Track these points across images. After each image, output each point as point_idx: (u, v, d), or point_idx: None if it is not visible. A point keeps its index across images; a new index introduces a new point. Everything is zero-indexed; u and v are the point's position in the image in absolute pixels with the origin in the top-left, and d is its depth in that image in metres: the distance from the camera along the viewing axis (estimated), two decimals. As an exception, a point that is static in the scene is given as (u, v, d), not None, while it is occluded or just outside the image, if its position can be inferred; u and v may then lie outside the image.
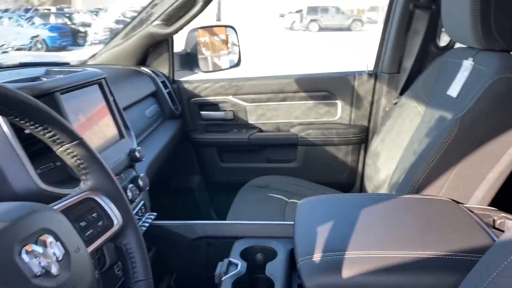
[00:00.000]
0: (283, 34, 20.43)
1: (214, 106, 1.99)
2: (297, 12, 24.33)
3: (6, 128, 0.81)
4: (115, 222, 0.68)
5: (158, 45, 1.90)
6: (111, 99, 1.17)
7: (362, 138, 1.96)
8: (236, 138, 2.00)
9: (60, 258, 0.51)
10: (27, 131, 0.84)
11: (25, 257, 0.47)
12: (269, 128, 2.01)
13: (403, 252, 0.87)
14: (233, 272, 1.07)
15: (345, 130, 1.95)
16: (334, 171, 2.01)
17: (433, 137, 1.18)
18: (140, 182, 1.12)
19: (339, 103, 1.94)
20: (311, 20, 23.14)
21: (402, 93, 1.73)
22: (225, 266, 1.10)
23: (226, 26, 2.23)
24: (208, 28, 2.14)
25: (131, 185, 1.08)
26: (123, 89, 1.47)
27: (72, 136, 0.64)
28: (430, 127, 1.29)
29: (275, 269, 1.07)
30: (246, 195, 1.73)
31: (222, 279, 1.05)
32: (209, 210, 2.11)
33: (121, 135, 1.16)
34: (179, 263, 1.29)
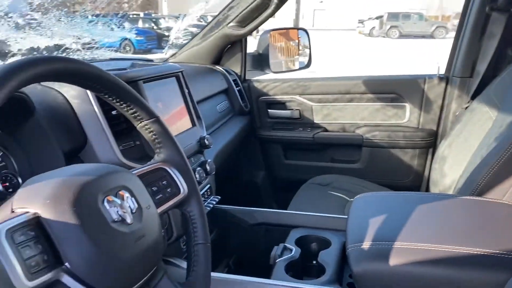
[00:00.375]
0: (361, 41, 20.05)
1: (281, 105, 2.07)
2: (377, 18, 23.75)
3: (97, 109, 0.95)
4: (182, 190, 0.78)
5: (232, 45, 2.02)
6: (186, 91, 1.29)
7: (430, 142, 1.92)
8: (301, 137, 2.05)
9: (134, 211, 0.62)
10: (113, 112, 0.98)
11: (106, 205, 0.58)
12: (334, 128, 2.04)
13: (453, 247, 0.88)
14: (287, 256, 1.14)
15: (412, 134, 1.93)
16: (399, 174, 1.99)
17: (499, 141, 1.16)
18: (207, 167, 1.23)
19: (408, 106, 1.93)
20: (391, 27, 22.47)
21: (473, 97, 1.68)
22: (280, 250, 1.17)
23: (298, 29, 2.31)
24: (281, 31, 2.22)
25: (199, 168, 1.19)
26: (198, 84, 1.60)
27: (150, 114, 0.75)
28: (500, 132, 1.25)
29: (328, 257, 1.12)
30: (307, 192, 1.78)
31: (276, 261, 1.12)
32: (270, 204, 2.19)
33: (193, 124, 1.27)
34: (238, 246, 1.38)
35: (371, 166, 2.02)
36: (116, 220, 0.58)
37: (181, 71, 1.28)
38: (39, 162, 0.85)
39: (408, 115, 1.94)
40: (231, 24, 1.88)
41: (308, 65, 2.22)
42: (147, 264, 0.63)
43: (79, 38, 1.78)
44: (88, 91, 0.94)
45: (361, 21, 25.75)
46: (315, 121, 2.05)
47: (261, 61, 2.13)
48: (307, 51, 2.27)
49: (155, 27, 15.19)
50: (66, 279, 0.52)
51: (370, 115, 1.98)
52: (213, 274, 1.01)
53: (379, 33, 22.94)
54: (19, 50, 1.36)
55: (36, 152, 0.85)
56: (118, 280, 0.56)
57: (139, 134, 1.03)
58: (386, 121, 1.97)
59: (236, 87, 1.97)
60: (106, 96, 0.70)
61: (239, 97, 1.96)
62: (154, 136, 0.77)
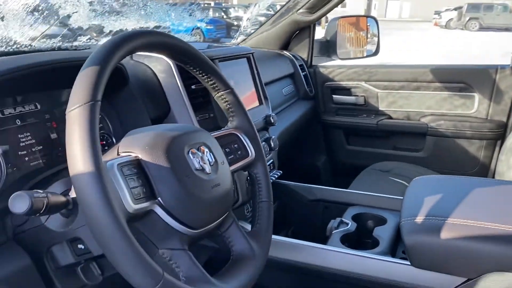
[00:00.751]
0: (437, 33, 19.09)
1: (346, 91, 2.11)
2: (455, 9, 22.45)
3: (179, 83, 1.07)
4: (250, 154, 0.88)
5: (300, 31, 2.09)
6: (255, 71, 1.39)
7: (499, 134, 1.88)
8: (365, 123, 2.09)
9: (211, 164, 0.73)
10: (193, 87, 1.11)
11: (190, 156, 0.69)
12: (398, 116, 2.06)
13: (505, 226, 0.90)
14: (343, 228, 1.21)
15: (480, 124, 1.90)
16: (463, 164, 1.96)
17: None
18: (272, 143, 1.32)
19: (477, 96, 1.90)
20: (471, 18, 21.14)
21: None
22: (337, 223, 1.24)
23: (367, 17, 2.32)
24: (349, 18, 2.26)
25: (263, 143, 1.29)
26: (266, 67, 1.69)
27: (226, 86, 0.86)
28: None
29: (383, 233, 1.18)
30: (367, 176, 1.82)
31: (332, 232, 1.20)
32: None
33: (260, 102, 1.37)
34: (296, 219, 1.47)
35: (434, 155, 2.01)
36: (197, 168, 0.69)
37: (252, 53, 1.38)
38: (130, 125, 0.99)
39: (476, 105, 1.90)
40: (301, 10, 1.95)
41: (376, 53, 2.24)
42: (220, 208, 0.74)
43: (159, 24, 1.94)
44: (173, 67, 1.07)
45: (437, 12, 24.47)
46: (380, 108, 2.08)
47: (328, 47, 2.18)
48: (375, 39, 2.29)
49: (225, 17, 15.53)
50: (158, 210, 0.64)
51: (437, 104, 1.97)
52: (273, 236, 1.11)
53: (457, 25, 21.68)
54: (110, 31, 1.53)
55: (128, 117, 0.99)
56: (197, 217, 0.68)
57: (213, 107, 1.16)
58: (452, 111, 1.95)
59: (302, 72, 2.04)
60: (191, 67, 0.81)
61: (304, 81, 2.03)
62: (228, 106, 0.88)
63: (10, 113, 0.82)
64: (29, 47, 1.30)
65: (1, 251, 0.70)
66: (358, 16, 2.35)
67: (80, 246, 0.71)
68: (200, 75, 0.83)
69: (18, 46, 1.26)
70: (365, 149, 2.16)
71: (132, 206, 0.59)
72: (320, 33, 2.29)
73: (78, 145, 0.55)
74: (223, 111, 0.90)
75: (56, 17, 1.34)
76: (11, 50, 1.23)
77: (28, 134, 0.85)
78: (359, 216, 1.29)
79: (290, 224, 1.50)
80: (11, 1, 1.32)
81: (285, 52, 2.04)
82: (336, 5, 1.88)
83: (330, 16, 2.18)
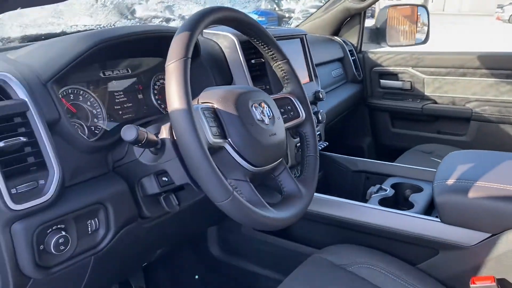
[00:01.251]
0: (498, 28, 18.18)
1: (393, 76, 2.21)
2: (520, 2, 21.19)
3: (241, 57, 1.24)
4: (301, 115, 1.04)
5: (351, 18, 2.21)
6: (307, 51, 1.54)
7: None
8: (410, 107, 2.18)
9: (270, 117, 0.89)
10: (252, 61, 1.28)
11: (253, 108, 0.86)
12: (444, 101, 2.13)
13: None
14: (382, 193, 1.34)
15: (526, 111, 1.94)
16: (507, 149, 2.01)
17: None
18: (319, 116, 1.47)
19: (524, 83, 1.94)
20: (537, 12, 19.90)
21: None
22: (376, 189, 1.37)
23: (418, 6, 2.39)
24: (400, 7, 2.34)
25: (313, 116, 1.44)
26: (317, 50, 1.83)
27: (283, 56, 1.02)
28: None
29: (418, 198, 1.30)
30: (409, 157, 1.92)
31: (372, 196, 1.33)
32: None
33: (310, 79, 1.52)
34: (339, 188, 1.61)
35: (478, 140, 2.07)
36: (259, 119, 0.86)
37: (305, 34, 1.53)
38: (200, 89, 1.17)
39: None
40: (352, -2, 2.07)
41: (425, 41, 2.31)
42: (276, 153, 0.90)
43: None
44: (236, 43, 1.24)
45: (500, 6, 23.24)
46: (426, 93, 2.16)
47: (378, 34, 2.28)
48: (425, 28, 2.36)
49: (276, 8, 15.64)
50: (228, 147, 0.81)
51: (482, 90, 2.02)
52: (317, 194, 1.26)
53: (521, 19, 20.49)
54: (179, 15, 1.74)
55: (199, 84, 1.18)
56: (258, 157, 0.84)
57: (269, 79, 1.33)
58: (498, 97, 2.00)
59: (352, 56, 2.16)
60: (255, 39, 0.98)
61: (353, 66, 2.15)
62: (284, 74, 1.04)
63: (109, 75, 1.02)
64: (113, 26, 1.52)
65: (104, 179, 0.90)
66: (408, 5, 2.42)
67: (164, 178, 0.90)
68: (262, 46, 1.00)
69: (102, 27, 1.49)
70: (410, 132, 2.25)
71: (211, 138, 0.77)
72: (368, 22, 2.39)
73: (175, 90, 0.73)
74: (279, 79, 1.06)
75: (126, 10, 1.55)
76: (99, 28, 1.46)
77: (121, 93, 1.05)
78: (398, 185, 1.41)
79: (333, 192, 1.64)
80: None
81: (335, 37, 2.17)
82: (386, -7, 1.98)
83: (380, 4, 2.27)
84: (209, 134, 0.77)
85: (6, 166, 0.73)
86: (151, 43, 1.03)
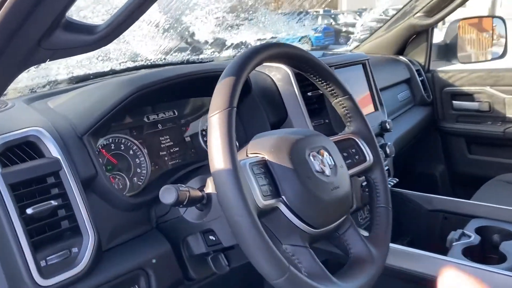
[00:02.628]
0: None
1: (468, 96, 1.98)
2: None
3: (296, 90, 1.12)
4: (368, 158, 0.89)
5: (417, 36, 2.02)
6: (371, 78, 1.39)
7: None
8: (490, 131, 1.94)
9: (331, 167, 0.76)
10: (309, 94, 1.15)
11: (311, 158, 0.74)
12: (530, 124, 1.87)
13: None
14: (465, 241, 1.14)
15: None
16: None
17: None
18: (387, 149, 1.31)
19: None
20: None
21: None
22: (458, 235, 1.18)
23: (493, 17, 2.16)
24: (472, 20, 2.12)
25: (380, 150, 1.28)
26: (381, 73, 1.67)
27: (344, 92, 0.89)
28: None
29: (511, 247, 1.09)
30: (492, 188, 1.69)
31: (453, 244, 1.14)
32: None
33: (375, 108, 1.37)
34: (413, 229, 1.42)
35: None
36: (318, 170, 0.73)
37: (367, 59, 1.38)
38: (252, 130, 1.07)
39: None
40: (418, 14, 1.89)
41: (503, 55, 2.06)
42: (339, 210, 0.76)
43: (275, 35, 2.04)
44: (291, 75, 1.12)
45: None
46: (507, 115, 1.91)
47: (448, 51, 2.07)
48: (503, 40, 2.11)
49: (333, 23, 15.42)
50: (282, 207, 0.69)
51: None
52: (390, 244, 1.10)
53: None
54: (232, 44, 1.66)
55: (251, 122, 1.07)
56: (318, 217, 0.71)
57: (328, 113, 1.20)
58: None
59: (419, 77, 1.97)
60: (311, 75, 0.86)
61: (421, 87, 1.96)
62: (346, 111, 0.90)
63: (153, 119, 0.95)
64: (163, 60, 1.47)
65: (146, 238, 0.81)
66: (481, 17, 2.20)
67: (211, 237, 0.79)
68: (320, 82, 0.87)
69: (153, 61, 1.44)
70: (490, 158, 1.99)
71: (261, 201, 0.65)
72: (437, 35, 2.18)
73: (219, 145, 0.62)
74: (340, 117, 0.92)
75: (186, 33, 1.49)
76: (149, 63, 1.41)
77: (167, 137, 0.97)
78: (483, 229, 1.21)
79: (406, 234, 1.46)
80: (147, 22, 1.50)
81: (400, 57, 1.99)
82: (457, 7, 1.79)
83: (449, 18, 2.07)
84: (259, 196, 0.66)
85: (35, 234, 0.65)
86: (197, 84, 0.94)
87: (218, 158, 0.62)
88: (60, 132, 0.75)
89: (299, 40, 2.53)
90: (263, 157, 0.71)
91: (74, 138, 0.75)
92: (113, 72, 1.27)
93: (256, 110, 1.07)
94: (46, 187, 0.69)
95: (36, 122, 0.75)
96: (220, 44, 1.65)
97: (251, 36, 1.67)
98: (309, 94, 1.15)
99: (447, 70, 2.05)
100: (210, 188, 0.73)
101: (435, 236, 1.36)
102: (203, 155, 1.02)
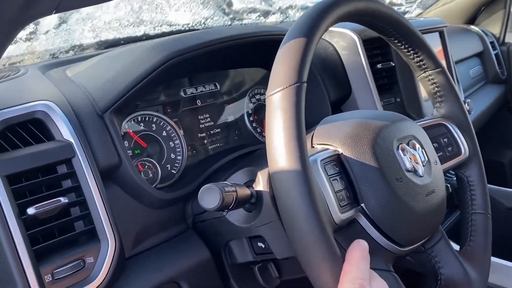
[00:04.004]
0: None
1: (551, 74, 1.71)
2: None
3: (364, 61, 0.92)
4: (463, 151, 0.69)
5: (492, 3, 1.75)
6: (448, 49, 1.16)
7: None
8: None
9: (424, 164, 0.57)
10: (379, 66, 0.95)
11: (400, 152, 0.55)
12: None
13: None
14: None
15: None
16: None
17: None
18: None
19: None
20: None
21: None
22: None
23: None
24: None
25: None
26: (451, 45, 1.43)
27: (437, 64, 0.68)
28: None
29: None
30: None
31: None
32: None
33: (452, 85, 1.15)
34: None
35: None
36: (409, 169, 0.54)
37: (445, 26, 1.15)
38: (309, 109, 0.88)
39: None
40: (498, -25, 1.61)
41: None
42: (434, 222, 0.58)
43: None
44: (358, 43, 0.92)
45: None
46: None
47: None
48: None
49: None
50: (362, 220, 0.51)
51: None
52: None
53: None
54: (279, 8, 1.46)
55: (307, 96, 0.88)
56: (407, 232, 0.53)
57: (400, 90, 0.99)
58: None
59: (493, 50, 1.71)
60: (396, 41, 0.66)
61: (495, 62, 1.70)
62: (436, 88, 0.70)
63: (192, 93, 0.78)
64: (203, 24, 1.29)
65: (180, 241, 0.66)
66: None
67: (260, 244, 0.63)
68: (406, 50, 0.67)
69: (191, 26, 1.26)
70: None
71: (339, 216, 0.47)
72: None
73: (282, 135, 0.44)
74: (416, 95, 0.72)
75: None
76: (187, 28, 1.23)
77: (208, 115, 0.80)
78: None
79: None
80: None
81: (472, 27, 1.73)
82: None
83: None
84: (336, 208, 0.48)
85: (38, 241, 0.51)
86: (246, 51, 0.76)
87: (280, 151, 0.44)
88: (75, 108, 0.59)
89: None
90: (336, 150, 0.53)
91: (93, 116, 0.59)
92: (146, 37, 1.11)
93: (314, 85, 0.87)
94: (56, 178, 0.54)
95: (47, 94, 0.59)
96: (264, 10, 1.45)
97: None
98: (379, 66, 0.95)
99: (527, 43, 1.77)
100: (261, 185, 0.56)
101: (516, 239, 1.15)
102: (249, 139, 0.84)
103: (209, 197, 0.49)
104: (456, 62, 1.46)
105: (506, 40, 1.80)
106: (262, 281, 0.67)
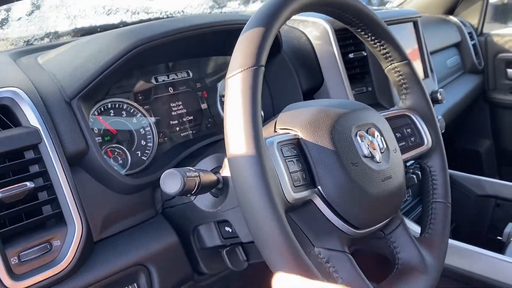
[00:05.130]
0: None
1: (526, 65, 1.74)
2: None
3: (336, 51, 0.94)
4: (425, 142, 0.71)
5: (471, -7, 1.77)
6: (422, 39, 1.18)
7: None
8: None
9: (382, 151, 0.59)
10: (350, 55, 0.97)
11: (358, 139, 0.57)
12: None
13: None
14: (526, 237, 0.97)
15: None
16: None
17: None
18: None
19: None
20: None
21: None
22: (517, 228, 1.01)
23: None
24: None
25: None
26: (429, 35, 1.45)
27: (402, 56, 0.70)
28: None
29: None
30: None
31: (511, 238, 0.97)
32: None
33: (425, 75, 1.17)
34: (459, 215, 1.25)
35: None
36: (366, 155, 0.56)
37: (419, 17, 1.17)
38: (281, 97, 0.90)
39: None
40: (476, -34, 1.63)
41: None
42: (390, 206, 0.60)
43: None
44: (330, 33, 0.94)
45: None
46: None
47: (506, 11, 1.82)
48: None
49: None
50: (318, 201, 0.53)
51: None
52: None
53: None
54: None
55: (279, 88, 0.90)
56: (363, 215, 0.55)
57: (372, 79, 1.01)
58: None
59: (471, 40, 1.73)
60: (362, 32, 0.67)
61: (473, 52, 1.72)
62: (402, 80, 0.72)
63: (163, 80, 0.79)
64: (181, 13, 1.29)
65: (149, 226, 0.67)
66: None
67: (227, 228, 0.65)
68: (372, 41, 0.69)
69: (169, 14, 1.26)
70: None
71: (292, 195, 0.49)
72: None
73: (238, 116, 0.46)
74: (386, 85, 0.74)
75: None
76: (165, 16, 1.23)
77: (180, 103, 0.81)
78: None
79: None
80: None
81: (451, 17, 1.75)
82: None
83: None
84: (289, 188, 0.50)
85: (5, 225, 0.52)
86: (217, 39, 0.77)
87: (236, 132, 0.46)
88: (43, 95, 0.60)
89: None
90: (296, 135, 0.55)
91: (61, 103, 0.60)
92: (123, 25, 1.11)
93: (286, 74, 0.89)
94: (23, 164, 0.55)
95: (15, 81, 0.60)
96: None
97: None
98: (351, 55, 0.97)
99: (503, 34, 1.80)
100: (227, 170, 0.58)
101: (484, 225, 1.19)
102: (222, 127, 0.86)
103: (171, 182, 0.51)
104: (433, 52, 1.49)
105: (484, 31, 1.83)
106: (230, 264, 0.69)
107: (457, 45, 1.70)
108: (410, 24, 1.16)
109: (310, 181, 0.53)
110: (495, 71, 1.81)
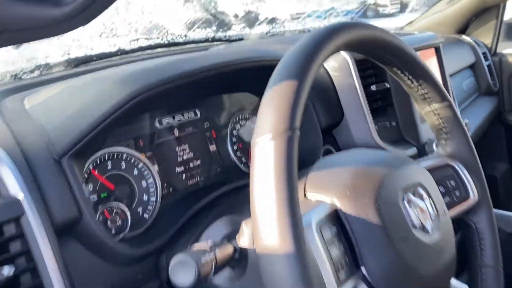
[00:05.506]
0: None
1: (543, 86, 1.67)
2: None
3: (357, 84, 0.85)
4: (471, 195, 0.62)
5: (484, 12, 1.69)
6: (443, 66, 1.10)
7: None
8: None
9: (432, 217, 0.50)
10: (373, 88, 0.88)
11: (406, 205, 0.47)
12: None
13: None
14: None
15: None
16: None
17: None
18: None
19: None
20: None
21: None
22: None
23: None
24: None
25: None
26: (445, 58, 1.37)
27: (443, 97, 0.61)
28: None
29: None
30: None
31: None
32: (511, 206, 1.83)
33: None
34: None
35: None
36: (416, 226, 0.47)
37: (442, 42, 1.09)
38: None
39: None
40: (491, -15, 1.56)
41: None
42: (442, 282, 0.51)
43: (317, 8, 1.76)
44: (350, 63, 0.85)
45: None
46: None
47: (520, 30, 1.75)
48: None
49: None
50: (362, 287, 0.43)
51: None
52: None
53: None
54: (265, 18, 1.38)
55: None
56: None
57: (396, 113, 0.92)
58: None
59: (485, 61, 1.65)
60: (398, 70, 0.58)
61: (488, 73, 1.64)
62: (442, 124, 0.63)
63: (168, 123, 0.69)
64: (184, 38, 1.20)
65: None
66: None
67: None
68: (409, 80, 0.60)
69: (173, 36, 1.17)
70: None
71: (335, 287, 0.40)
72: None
73: (271, 200, 0.36)
74: (432, 130, 0.65)
75: (212, 4, 1.22)
76: (166, 42, 1.15)
77: (186, 146, 0.72)
78: None
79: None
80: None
81: (464, 37, 1.67)
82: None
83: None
84: (332, 279, 0.40)
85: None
86: (228, 78, 0.68)
87: (267, 216, 0.36)
88: (28, 153, 0.50)
89: (325, 14, 2.22)
90: (332, 205, 0.45)
91: (49, 162, 0.51)
92: (122, 53, 1.02)
93: (304, 112, 0.80)
94: (2, 242, 0.45)
95: (-6, 135, 0.50)
96: (251, 19, 1.37)
97: (287, 8, 1.38)
98: (373, 88, 0.88)
99: (519, 54, 1.72)
100: (245, 238, 0.48)
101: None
102: (233, 171, 0.76)
103: (183, 272, 0.41)
104: (450, 75, 1.41)
105: (498, 50, 1.76)
106: None
107: (471, 67, 1.62)
108: (433, 50, 1.07)
109: (352, 262, 0.44)
110: (511, 92, 1.73)
